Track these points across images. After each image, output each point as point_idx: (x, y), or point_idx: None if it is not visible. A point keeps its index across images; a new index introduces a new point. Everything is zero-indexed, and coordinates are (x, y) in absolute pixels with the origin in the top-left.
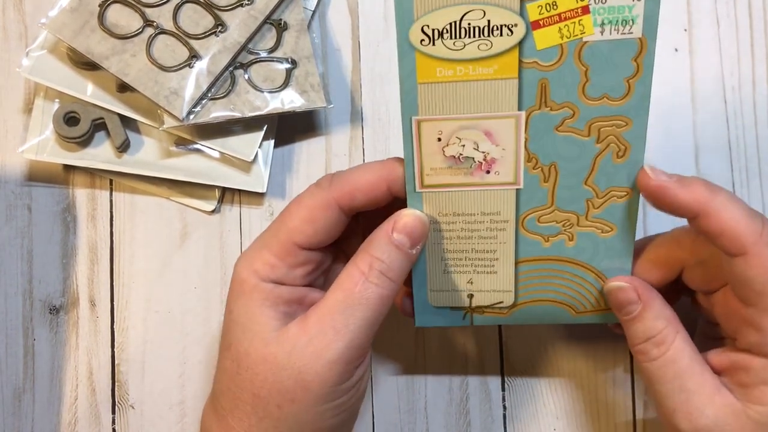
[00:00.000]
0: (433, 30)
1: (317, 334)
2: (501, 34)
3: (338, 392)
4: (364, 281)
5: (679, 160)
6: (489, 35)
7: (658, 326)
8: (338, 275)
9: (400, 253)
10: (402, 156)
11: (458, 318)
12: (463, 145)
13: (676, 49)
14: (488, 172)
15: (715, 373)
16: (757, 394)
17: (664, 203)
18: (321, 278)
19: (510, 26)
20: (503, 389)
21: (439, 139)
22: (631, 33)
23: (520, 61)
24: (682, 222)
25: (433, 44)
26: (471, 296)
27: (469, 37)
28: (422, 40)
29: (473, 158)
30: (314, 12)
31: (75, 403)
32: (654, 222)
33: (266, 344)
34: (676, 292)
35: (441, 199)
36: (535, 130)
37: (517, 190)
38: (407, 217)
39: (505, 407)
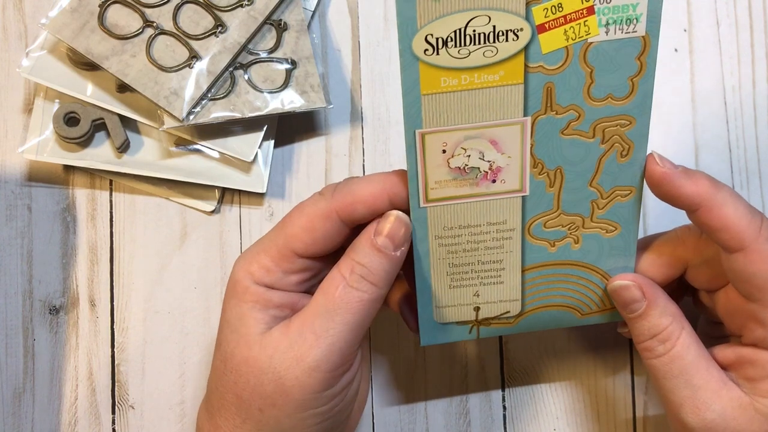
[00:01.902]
0: (437, 39)
1: (297, 338)
2: (507, 40)
3: (321, 399)
4: (344, 285)
5: (679, 160)
6: (494, 41)
7: (663, 323)
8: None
9: (383, 256)
10: (405, 167)
11: (464, 332)
12: (469, 156)
13: (676, 49)
14: (494, 181)
15: (721, 367)
16: (764, 388)
17: (667, 193)
18: (318, 287)
19: (516, 31)
20: (503, 389)
21: (444, 151)
22: (635, 31)
23: (526, 66)
24: (682, 220)
25: (438, 53)
26: (477, 309)
27: (474, 44)
28: (426, 50)
29: (479, 168)
30: (314, 12)
31: (75, 403)
32: (654, 221)
33: (250, 347)
34: (679, 290)
35: (446, 213)
36: (541, 135)
37: (523, 197)
38: (389, 221)
39: (505, 407)
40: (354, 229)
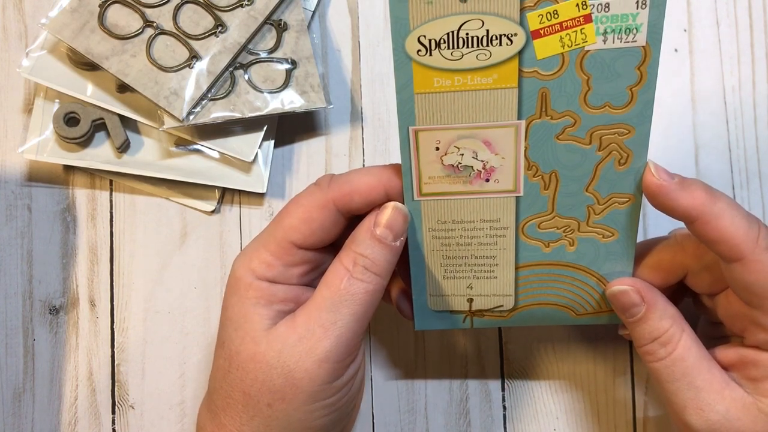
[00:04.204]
0: (430, 40)
1: (306, 332)
2: (500, 44)
3: (329, 391)
4: (348, 278)
5: (678, 161)
6: (488, 45)
7: (663, 326)
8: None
9: (383, 246)
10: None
11: (458, 321)
12: (462, 154)
13: (676, 50)
14: (487, 180)
15: (723, 368)
16: (767, 388)
17: (662, 205)
18: (319, 279)
19: (509, 36)
20: (503, 389)
21: (437, 148)
22: (635, 41)
23: (520, 71)
24: (682, 223)
25: (430, 54)
26: (471, 300)
27: (467, 47)
28: (419, 51)
29: (472, 167)
30: (314, 12)
31: (75, 403)
32: (653, 224)
33: (256, 343)
34: (680, 292)
35: (440, 207)
36: (536, 139)
37: (516, 197)
38: (387, 211)
39: (505, 407)
40: (349, 221)
